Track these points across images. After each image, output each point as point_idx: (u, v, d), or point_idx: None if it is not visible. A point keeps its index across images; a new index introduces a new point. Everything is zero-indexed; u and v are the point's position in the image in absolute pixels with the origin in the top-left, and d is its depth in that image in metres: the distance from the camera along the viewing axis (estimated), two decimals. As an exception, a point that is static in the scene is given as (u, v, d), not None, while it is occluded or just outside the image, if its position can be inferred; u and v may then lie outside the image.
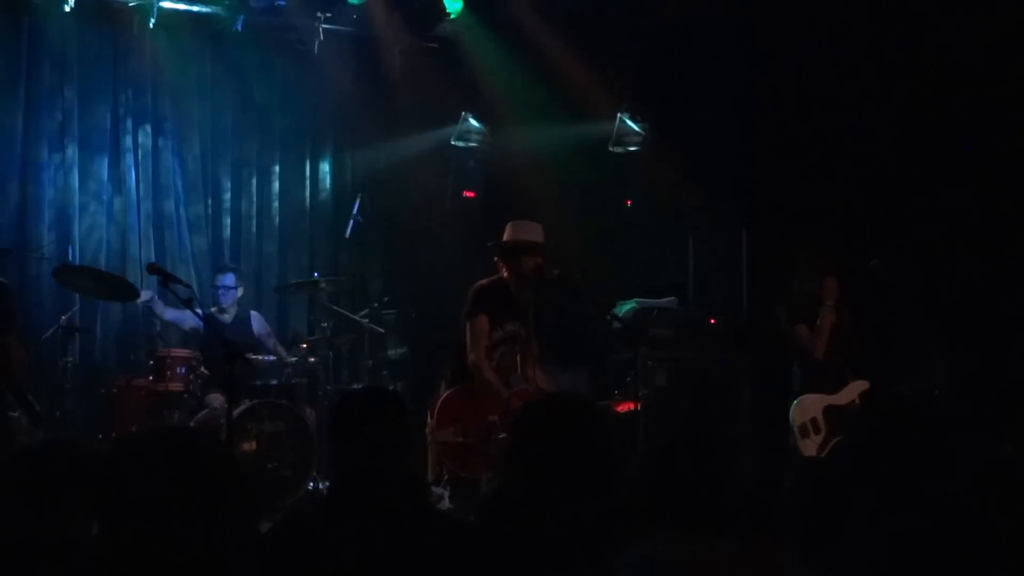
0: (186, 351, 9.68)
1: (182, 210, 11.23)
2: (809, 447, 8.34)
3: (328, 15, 11.16)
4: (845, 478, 7.88)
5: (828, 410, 8.36)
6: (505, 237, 8.18)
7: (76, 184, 10.77)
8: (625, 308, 9.97)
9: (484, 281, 8.12)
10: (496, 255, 8.14)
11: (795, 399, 8.49)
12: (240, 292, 10.33)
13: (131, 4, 10.52)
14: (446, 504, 7.79)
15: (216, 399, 9.37)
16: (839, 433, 8.25)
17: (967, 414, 7.90)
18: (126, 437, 2.84)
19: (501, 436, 7.44)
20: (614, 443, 3.90)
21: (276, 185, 11.90)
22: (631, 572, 1.37)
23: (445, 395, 7.84)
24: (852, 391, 8.38)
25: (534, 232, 8.20)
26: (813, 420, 8.38)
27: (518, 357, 8.09)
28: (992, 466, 4.27)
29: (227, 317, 10.17)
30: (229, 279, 10.28)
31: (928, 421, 3.86)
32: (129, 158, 11.02)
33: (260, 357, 9.89)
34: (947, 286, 8.92)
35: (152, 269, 8.67)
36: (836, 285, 8.63)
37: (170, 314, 9.96)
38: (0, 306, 7.60)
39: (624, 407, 8.41)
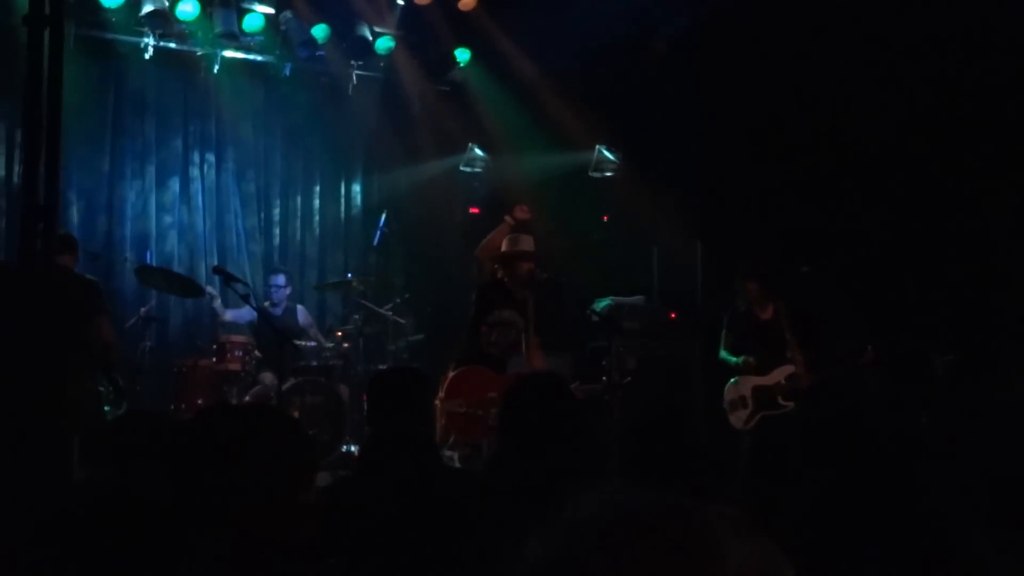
0: (243, 337, 9.68)
1: (240, 222, 11.26)
2: (736, 420, 8.36)
3: (360, 63, 11.22)
4: (776, 446, 7.93)
5: (756, 389, 8.35)
6: (503, 249, 8.23)
7: (153, 201, 10.81)
8: (602, 304, 9.99)
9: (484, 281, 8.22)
10: (495, 264, 8.19)
11: (731, 380, 8.53)
12: (289, 290, 10.33)
13: (199, 53, 10.57)
14: (456, 464, 7.85)
15: (267, 377, 9.39)
16: (763, 408, 8.28)
17: (886, 394, 7.93)
18: (209, 409, 2.85)
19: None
20: (584, 414, 3.94)
21: (317, 202, 11.91)
22: (568, 522, 1.37)
23: (453, 374, 7.88)
24: (779, 374, 8.34)
25: (526, 243, 8.24)
26: (742, 397, 8.37)
27: (523, 345, 8.15)
28: (906, 437, 4.34)
29: (277, 310, 10.15)
30: (280, 279, 10.28)
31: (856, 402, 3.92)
32: (196, 180, 11.07)
33: (304, 343, 9.87)
34: (864, 288, 8.94)
35: (217, 271, 8.79)
36: (757, 288, 8.62)
37: (230, 314, 9.95)
38: (92, 296, 7.70)
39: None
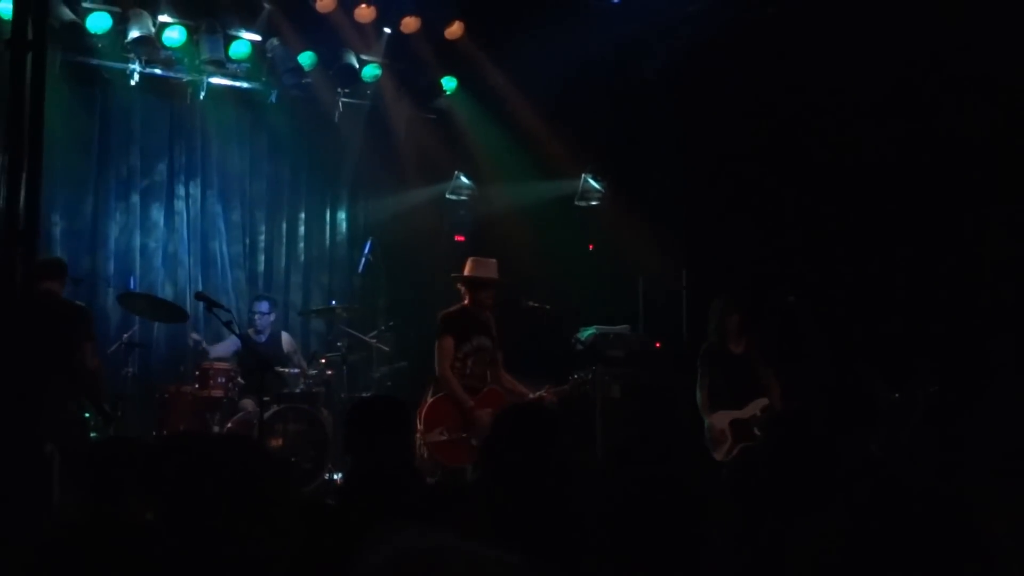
0: (226, 364, 9.64)
1: (224, 248, 11.18)
2: (718, 454, 8.42)
3: (346, 90, 11.26)
4: (752, 475, 7.98)
5: (733, 423, 8.40)
6: (466, 272, 8.27)
7: (137, 226, 10.73)
8: (587, 333, 10.00)
9: (451, 309, 8.21)
10: (459, 284, 8.23)
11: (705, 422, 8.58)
12: (273, 317, 10.29)
13: (185, 80, 10.57)
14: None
15: (249, 404, 9.27)
16: (741, 440, 8.34)
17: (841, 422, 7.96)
18: (176, 436, 2.86)
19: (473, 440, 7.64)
20: (564, 444, 3.94)
21: (302, 229, 11.87)
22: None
23: (430, 402, 7.88)
24: (754, 407, 8.40)
25: (490, 269, 8.27)
26: (722, 431, 8.42)
27: (488, 366, 8.21)
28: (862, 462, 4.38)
29: (262, 337, 10.12)
30: (265, 306, 10.25)
31: (818, 430, 3.94)
32: (181, 206, 11.00)
33: (287, 370, 9.85)
34: (850, 317, 8.99)
35: (199, 297, 8.76)
36: (739, 321, 8.64)
37: (216, 351, 9.89)
38: (82, 323, 7.69)
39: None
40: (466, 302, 8.22)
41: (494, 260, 8.35)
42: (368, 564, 1.41)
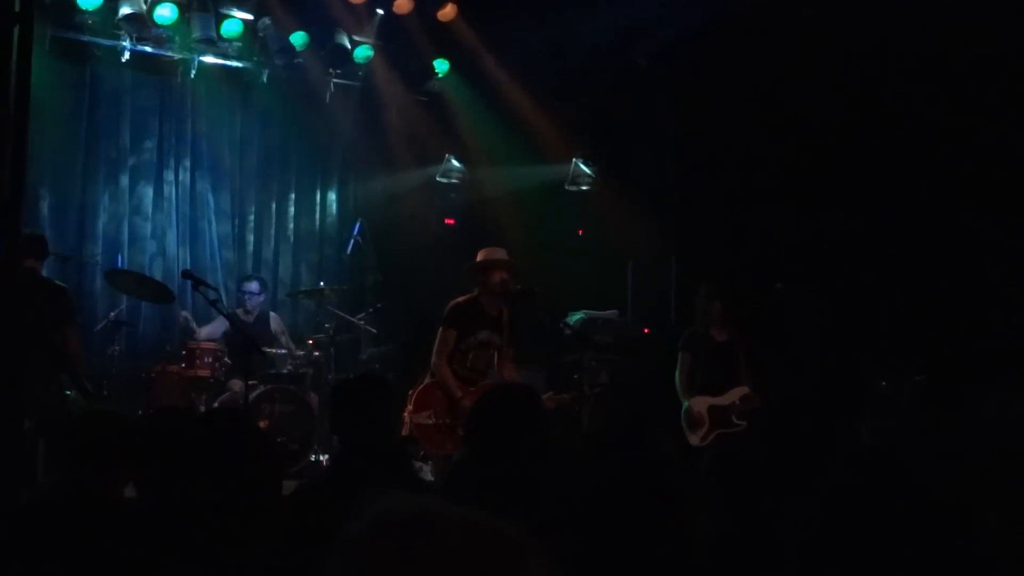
0: (212, 343, 9.61)
1: (213, 228, 11.11)
2: (694, 438, 8.46)
3: (338, 71, 11.19)
4: (735, 461, 8.01)
5: (712, 409, 8.46)
6: (477, 259, 8.19)
7: (126, 205, 10.67)
8: (575, 318, 10.01)
9: (460, 299, 8.04)
10: (470, 273, 8.17)
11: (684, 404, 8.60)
12: (263, 297, 10.24)
13: (176, 58, 10.50)
14: (427, 476, 7.84)
15: (236, 384, 9.19)
16: (719, 427, 8.38)
17: (830, 408, 7.98)
18: (165, 410, 2.83)
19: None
20: (545, 423, 3.95)
21: (291, 210, 11.83)
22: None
23: (424, 384, 7.84)
24: (734, 395, 8.46)
25: (500, 253, 8.22)
26: (699, 415, 8.48)
27: (495, 358, 8.10)
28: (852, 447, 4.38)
29: (249, 317, 10.06)
30: (254, 286, 10.19)
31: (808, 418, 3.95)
32: (170, 185, 10.93)
33: (274, 350, 9.81)
34: (840, 306, 9.01)
35: (186, 275, 8.70)
36: (721, 308, 8.68)
37: (204, 332, 9.83)
38: (61, 306, 7.61)
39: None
40: (476, 292, 8.09)
41: (504, 248, 8.21)
42: (352, 528, 1.37)
